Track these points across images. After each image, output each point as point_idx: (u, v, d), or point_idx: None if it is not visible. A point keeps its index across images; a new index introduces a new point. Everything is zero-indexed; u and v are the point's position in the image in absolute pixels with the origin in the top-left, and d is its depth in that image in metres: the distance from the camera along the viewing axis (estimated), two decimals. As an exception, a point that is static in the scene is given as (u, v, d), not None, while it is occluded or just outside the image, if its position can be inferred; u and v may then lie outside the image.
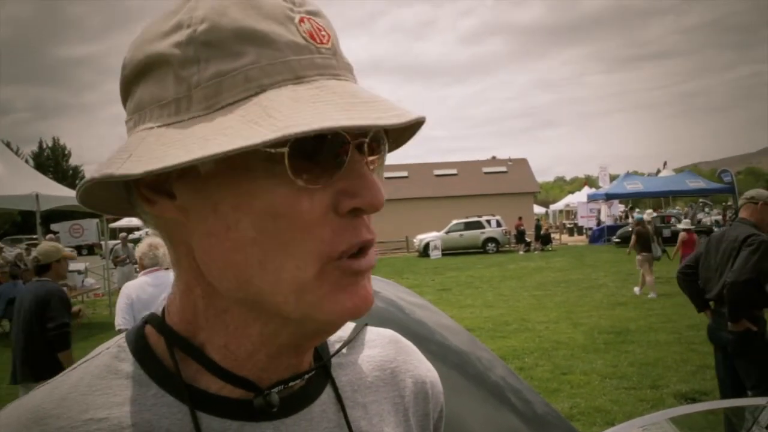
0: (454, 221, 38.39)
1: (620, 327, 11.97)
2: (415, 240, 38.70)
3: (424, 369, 0.94)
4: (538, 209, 57.65)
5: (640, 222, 17.57)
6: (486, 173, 54.05)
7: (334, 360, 0.84)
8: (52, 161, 73.35)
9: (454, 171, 54.46)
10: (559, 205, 61.05)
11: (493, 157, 62.05)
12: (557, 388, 8.18)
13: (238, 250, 0.66)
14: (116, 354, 0.75)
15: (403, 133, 0.79)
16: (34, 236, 14.30)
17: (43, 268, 6.04)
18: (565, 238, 45.58)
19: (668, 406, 6.99)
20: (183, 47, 0.65)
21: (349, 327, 0.90)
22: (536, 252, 34.98)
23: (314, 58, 0.67)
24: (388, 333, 0.95)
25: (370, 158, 0.70)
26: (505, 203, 46.75)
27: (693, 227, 18.00)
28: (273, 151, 0.62)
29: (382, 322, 1.08)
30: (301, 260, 0.65)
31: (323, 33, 0.69)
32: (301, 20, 0.68)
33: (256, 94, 0.63)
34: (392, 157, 0.77)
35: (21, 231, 52.04)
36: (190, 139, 0.62)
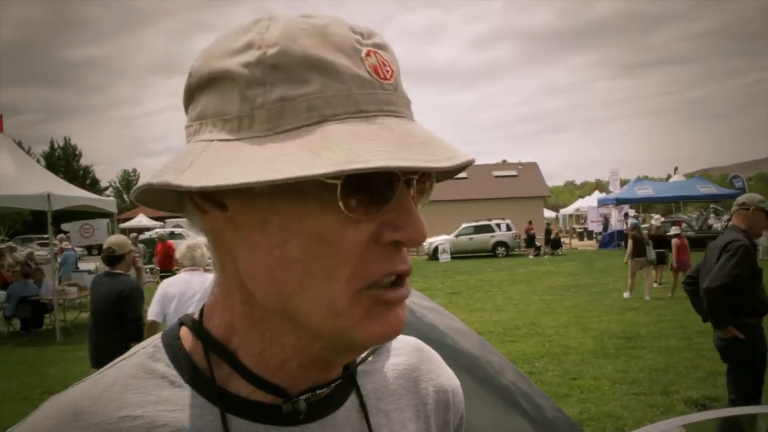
0: (464, 225, 38.34)
1: (631, 332, 11.93)
2: (424, 243, 38.62)
3: (447, 377, 0.95)
4: (548, 213, 57.56)
5: (635, 227, 18.16)
6: (496, 177, 54.02)
7: (360, 367, 0.86)
8: (64, 161, 73.79)
9: (464, 174, 54.29)
10: (569, 210, 60.93)
11: (504, 161, 61.98)
12: (567, 393, 8.15)
13: (282, 268, 0.68)
14: (152, 354, 0.77)
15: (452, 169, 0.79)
16: (45, 236, 14.38)
17: (116, 258, 6.33)
18: (575, 242, 45.51)
19: (679, 412, 6.95)
20: (251, 68, 0.67)
21: None
22: (546, 256, 34.92)
23: (377, 93, 0.68)
24: (413, 341, 0.96)
25: (417, 191, 0.72)
26: (515, 207, 46.69)
27: (681, 232, 18.66)
28: (328, 181, 0.63)
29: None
30: (338, 286, 0.67)
31: (387, 68, 0.71)
32: (368, 54, 0.69)
33: (318, 123, 0.65)
34: None
35: (32, 230, 52.27)
36: (249, 159, 0.64)
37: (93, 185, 71.92)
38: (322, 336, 0.71)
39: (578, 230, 51.53)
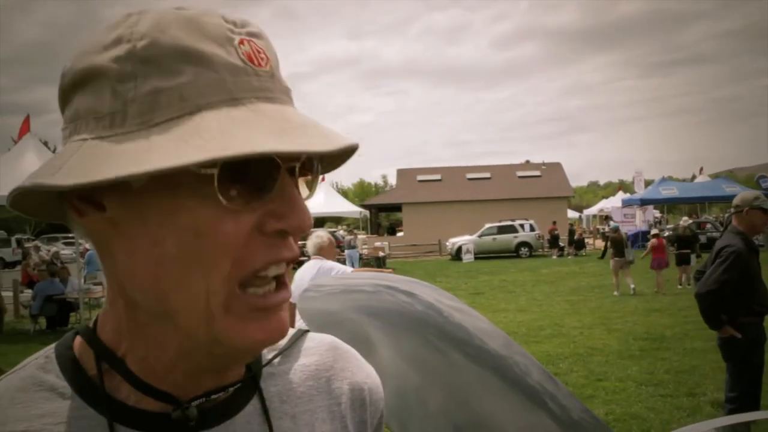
0: (487, 225, 38.30)
1: (656, 333, 11.85)
2: (447, 243, 38.66)
3: (363, 375, 0.93)
4: (571, 214, 57.35)
5: (615, 230, 19.75)
6: (520, 177, 53.81)
7: (265, 370, 0.84)
8: (89, 161, 74.53)
9: (487, 175, 54.30)
10: (592, 210, 60.65)
11: (527, 161, 61.77)
12: (592, 394, 8.10)
13: (161, 265, 0.67)
14: (42, 365, 0.76)
15: (337, 156, 0.79)
16: (70, 235, 14.49)
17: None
18: (599, 243, 45.29)
19: (706, 414, 6.90)
20: (121, 62, 0.66)
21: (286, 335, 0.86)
22: (570, 257, 34.80)
23: (251, 80, 0.67)
24: (328, 339, 0.94)
25: (301, 179, 0.71)
26: (538, 207, 46.51)
27: (659, 232, 20.37)
28: (203, 171, 0.62)
29: (423, 325, 1.07)
30: (216, 281, 0.66)
31: (262, 56, 0.70)
32: (241, 42, 0.69)
33: (191, 113, 0.64)
34: (425, 161, 0.76)
35: (57, 230, 52.86)
36: (122, 154, 0.62)
37: (118, 185, 72.61)
38: (200, 340, 0.69)
39: (602, 231, 51.35)
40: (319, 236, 6.91)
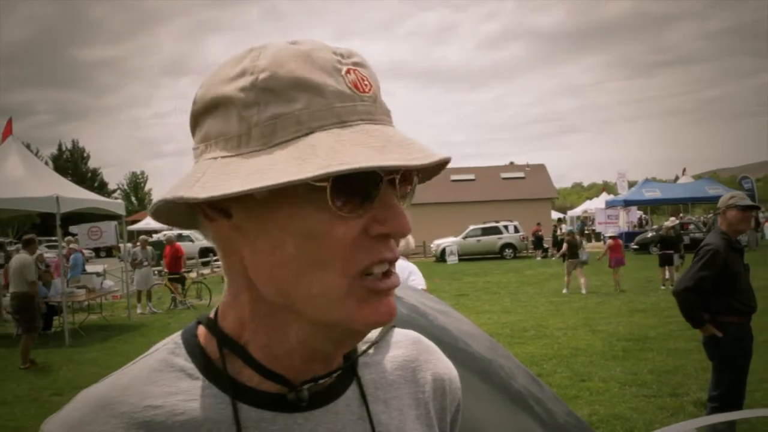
0: (472, 227, 38.35)
1: (639, 334, 11.91)
2: (432, 245, 38.71)
3: (443, 367, 1.03)
4: (555, 215, 57.50)
5: (570, 233, 21.54)
6: (504, 179, 53.90)
7: (361, 360, 0.94)
8: (72, 164, 73.86)
9: (471, 176, 54.36)
10: (576, 211, 60.86)
11: (511, 163, 62.00)
12: (576, 395, 8.13)
13: (281, 265, 0.77)
14: (172, 350, 0.86)
15: (432, 169, 0.87)
16: (53, 238, 14.44)
17: None
18: (583, 244, 45.43)
19: (689, 413, 6.94)
20: (246, 91, 0.76)
21: (377, 329, 0.97)
22: (554, 258, 34.90)
23: (356, 105, 0.77)
24: (412, 334, 1.04)
25: (401, 189, 0.80)
26: (522, 209, 46.61)
27: (616, 234, 21.54)
28: (317, 184, 0.71)
29: (407, 328, 1.09)
30: (332, 277, 0.76)
31: (366, 83, 0.79)
32: (348, 71, 0.78)
33: (306, 135, 0.74)
34: None
35: (40, 233, 52.37)
36: (248, 171, 0.72)
37: (101, 188, 72.08)
38: (322, 324, 0.79)
39: (586, 232, 51.48)
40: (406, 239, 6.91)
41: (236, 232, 0.80)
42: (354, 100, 0.77)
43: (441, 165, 0.83)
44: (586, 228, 44.20)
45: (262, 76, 0.76)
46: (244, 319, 0.84)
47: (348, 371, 0.91)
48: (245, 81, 0.77)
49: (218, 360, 0.84)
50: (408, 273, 6.88)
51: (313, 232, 0.75)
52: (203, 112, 0.81)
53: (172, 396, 0.81)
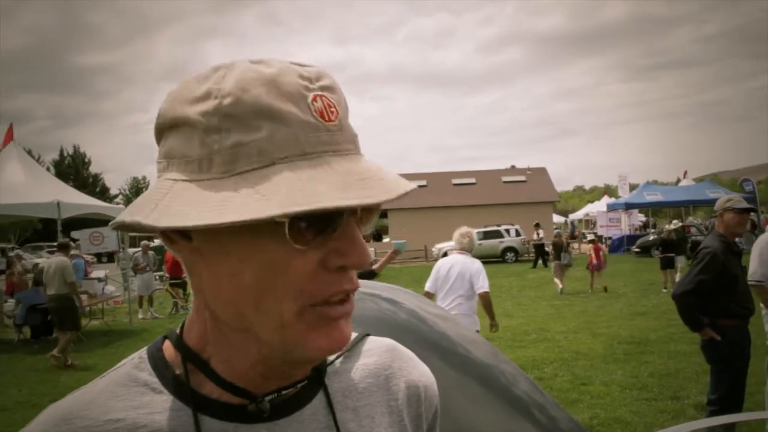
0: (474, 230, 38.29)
1: (640, 337, 11.90)
2: (433, 249, 38.65)
3: (418, 374, 1.02)
4: (557, 218, 57.42)
5: (557, 235, 22.30)
6: (505, 182, 53.90)
7: (329, 368, 0.94)
8: (73, 169, 73.93)
9: (472, 180, 54.37)
10: (578, 215, 60.83)
11: (512, 166, 61.87)
12: (577, 398, 8.13)
13: (239, 292, 0.77)
14: (137, 364, 0.87)
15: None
16: (55, 244, 14.46)
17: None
18: (585, 247, 45.39)
19: (689, 417, 6.94)
20: (209, 116, 0.76)
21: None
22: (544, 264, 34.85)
23: (320, 135, 0.76)
24: (387, 342, 1.04)
25: (363, 217, 0.81)
26: (524, 212, 46.58)
27: (595, 238, 22.62)
28: (277, 220, 0.70)
29: (405, 333, 1.10)
30: (286, 304, 0.76)
31: (333, 110, 0.79)
32: (314, 99, 0.78)
33: (267, 166, 0.73)
34: (411, 166, 0.82)
35: (42, 238, 52.44)
36: (206, 201, 0.72)
37: (102, 193, 72.14)
38: (275, 348, 0.79)
39: (587, 235, 51.41)
40: (467, 232, 7.87)
41: (197, 255, 0.81)
42: (318, 131, 0.76)
43: (400, 197, 0.85)
44: (576, 231, 44.05)
45: (225, 101, 0.75)
46: (206, 334, 0.85)
47: (315, 381, 0.91)
48: (208, 105, 0.76)
49: (181, 374, 0.84)
50: (475, 269, 7.39)
51: (272, 264, 0.75)
52: (166, 128, 0.81)
53: (134, 410, 0.81)
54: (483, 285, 7.43)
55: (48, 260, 12.94)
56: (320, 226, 0.75)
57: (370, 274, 8.39)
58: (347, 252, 0.77)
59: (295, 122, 0.75)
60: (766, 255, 5.85)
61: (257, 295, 0.76)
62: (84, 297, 16.19)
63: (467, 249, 7.74)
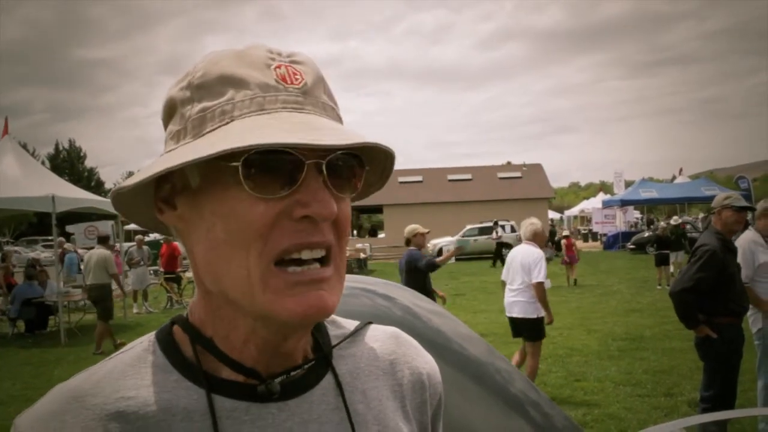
0: (468, 226, 38.34)
1: (635, 334, 11.92)
2: (429, 245, 38.61)
3: (422, 361, 1.03)
4: (552, 215, 57.47)
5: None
6: (501, 178, 53.88)
7: (335, 352, 0.95)
8: (68, 163, 73.72)
9: (468, 176, 54.34)
10: (573, 211, 60.92)
11: (508, 163, 61.89)
12: (571, 394, 8.16)
13: (212, 249, 0.80)
14: (147, 347, 0.88)
15: (376, 163, 0.92)
16: (50, 237, 14.46)
17: (408, 241, 9.44)
18: (580, 244, 45.44)
19: (683, 413, 6.95)
20: (184, 90, 0.84)
21: (353, 324, 1.02)
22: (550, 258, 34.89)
23: (279, 95, 0.80)
24: (391, 329, 1.06)
25: (332, 179, 0.80)
26: (519, 208, 46.48)
27: (569, 233, 23.88)
28: (232, 164, 0.75)
29: (400, 329, 1.09)
30: (252, 259, 0.78)
31: (297, 77, 0.83)
32: (278, 66, 0.83)
33: (227, 123, 0.79)
34: (408, 162, 0.83)
35: (37, 232, 52.34)
36: (171, 159, 0.77)
37: (98, 187, 71.93)
38: (252, 313, 0.81)
39: (583, 232, 51.46)
40: (533, 223, 8.15)
41: (182, 223, 0.85)
42: (278, 91, 0.81)
43: (388, 160, 0.90)
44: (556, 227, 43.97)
45: (197, 75, 0.83)
46: (202, 313, 0.88)
47: (323, 363, 0.92)
48: (184, 82, 0.85)
49: (191, 355, 0.86)
50: (533, 259, 7.77)
51: (235, 213, 0.77)
52: (165, 117, 0.89)
53: (146, 388, 0.82)
54: (537, 276, 7.72)
55: (89, 252, 13.69)
56: (282, 176, 0.77)
57: (431, 267, 9.09)
58: (309, 202, 0.78)
59: (255, 84, 0.80)
60: (749, 256, 5.87)
61: (228, 249, 0.78)
62: (78, 291, 16.21)
63: (530, 239, 8.05)
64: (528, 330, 7.97)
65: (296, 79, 0.82)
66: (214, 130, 0.79)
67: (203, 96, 0.81)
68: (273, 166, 0.75)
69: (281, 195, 0.77)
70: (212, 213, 0.79)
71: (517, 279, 7.91)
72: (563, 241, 22.45)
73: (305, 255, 0.79)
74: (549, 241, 36.12)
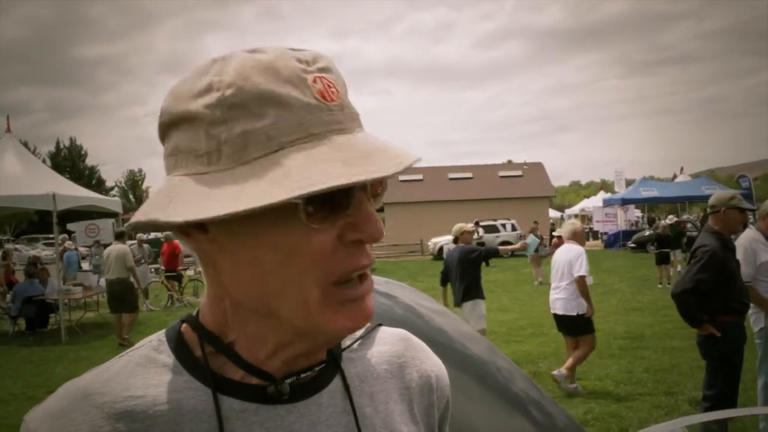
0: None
1: (635, 333, 11.94)
2: (429, 243, 38.67)
3: (431, 364, 1.04)
4: (553, 213, 57.48)
5: (533, 228, 25.34)
6: (501, 177, 53.85)
7: (345, 354, 0.96)
8: (69, 161, 73.65)
9: (469, 174, 54.32)
10: (574, 210, 60.84)
11: (509, 161, 61.92)
12: (572, 393, 8.14)
13: (260, 278, 0.79)
14: (156, 346, 0.89)
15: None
16: (51, 235, 14.49)
17: (455, 239, 9.91)
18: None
19: (683, 412, 6.95)
20: (212, 108, 0.77)
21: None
22: (551, 256, 34.87)
23: (323, 116, 0.77)
24: (400, 332, 1.06)
25: (372, 190, 0.83)
26: (520, 207, 46.59)
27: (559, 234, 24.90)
28: (291, 202, 0.72)
29: (401, 328, 1.09)
30: (309, 287, 0.78)
31: (333, 90, 0.80)
32: (314, 80, 0.79)
33: (275, 151, 0.75)
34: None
35: (38, 230, 52.38)
36: (220, 192, 0.74)
37: (99, 185, 71.86)
38: (300, 331, 0.82)
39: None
40: (572, 223, 8.73)
41: (214, 246, 0.81)
42: (321, 111, 0.78)
43: (408, 167, 0.86)
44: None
45: (228, 92, 0.76)
46: (226, 321, 0.86)
47: (332, 365, 0.93)
48: (211, 98, 0.77)
49: (201, 356, 0.86)
50: (574, 255, 8.12)
51: (290, 246, 0.77)
52: (170, 126, 0.82)
53: (154, 388, 0.83)
54: (579, 270, 8.03)
55: (108, 248, 14.07)
56: (333, 204, 0.76)
57: (490, 254, 10.49)
58: (362, 226, 0.78)
59: (297, 106, 0.76)
60: (751, 254, 5.84)
61: (280, 279, 0.78)
62: (79, 289, 16.22)
63: (570, 237, 8.43)
64: (570, 326, 8.38)
65: (332, 93, 0.80)
66: (260, 158, 0.75)
67: (238, 116, 0.76)
68: (327, 196, 0.74)
69: (333, 221, 0.77)
70: (259, 244, 0.78)
71: (559, 277, 8.29)
72: (554, 241, 23.35)
73: (354, 275, 0.80)
74: (551, 240, 36.19)
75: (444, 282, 9.88)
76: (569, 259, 8.16)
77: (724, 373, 5.50)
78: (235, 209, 0.70)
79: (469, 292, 9.33)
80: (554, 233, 24.72)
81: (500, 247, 10.47)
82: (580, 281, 8.03)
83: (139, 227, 0.82)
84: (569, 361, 8.27)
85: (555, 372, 8.34)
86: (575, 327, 8.28)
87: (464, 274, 9.32)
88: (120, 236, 14.43)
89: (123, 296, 13.33)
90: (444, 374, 1.05)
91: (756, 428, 5.73)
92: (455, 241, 9.92)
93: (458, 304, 9.37)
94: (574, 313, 8.15)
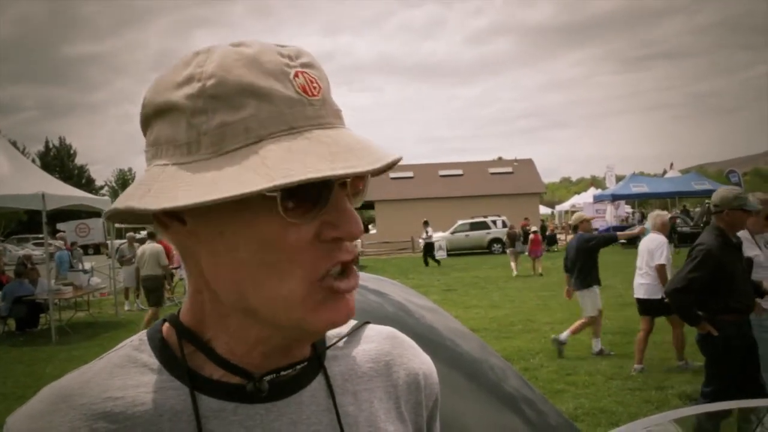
0: (460, 222, 38.36)
1: (626, 328, 11.94)
2: (420, 240, 38.69)
3: (418, 362, 1.03)
4: (543, 210, 57.55)
5: (511, 227, 27.99)
6: (492, 174, 53.92)
7: (329, 353, 0.95)
8: (58, 161, 73.44)
9: (459, 171, 54.36)
10: (564, 206, 60.92)
11: (499, 158, 62.09)
12: (562, 389, 8.18)
13: (238, 271, 0.79)
14: (137, 346, 0.88)
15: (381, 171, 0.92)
16: (40, 235, 14.43)
17: (575, 228, 10.70)
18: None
19: (673, 406, 6.97)
20: (194, 99, 0.77)
21: (348, 324, 1.00)
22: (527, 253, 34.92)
23: (305, 110, 0.78)
24: (388, 330, 1.05)
25: (352, 188, 0.82)
26: (510, 204, 46.63)
27: (537, 230, 26.60)
28: (267, 194, 0.72)
29: (393, 326, 1.09)
30: (289, 282, 0.77)
31: (315, 85, 0.80)
32: (296, 75, 0.79)
33: (255, 143, 0.75)
34: None
35: (27, 230, 52.15)
36: (198, 181, 0.73)
37: (88, 185, 71.71)
38: (281, 327, 0.81)
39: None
40: (659, 215, 9.23)
41: (192, 238, 0.81)
42: (303, 105, 0.78)
43: (389, 166, 0.86)
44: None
45: (209, 83, 0.76)
46: (205, 317, 0.86)
47: (315, 363, 0.92)
48: (192, 88, 0.77)
49: (180, 355, 0.86)
50: (655, 245, 8.71)
51: (266, 239, 0.76)
52: (152, 116, 0.82)
53: (133, 388, 0.83)
54: (659, 258, 8.64)
55: (142, 246, 14.78)
56: (311, 199, 0.76)
57: (608, 240, 11.05)
58: (340, 223, 0.78)
59: (278, 98, 0.76)
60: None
61: (257, 272, 0.78)
62: (69, 289, 16.16)
63: (658, 229, 9.00)
64: (654, 309, 8.87)
65: (314, 89, 0.80)
66: (238, 149, 0.75)
67: (219, 107, 0.76)
68: (306, 190, 0.74)
69: (311, 217, 0.77)
70: (236, 236, 0.77)
71: (643, 264, 8.91)
72: (531, 236, 24.82)
73: (333, 272, 0.79)
74: (543, 237, 36.22)
75: (569, 269, 10.71)
76: (651, 248, 8.75)
77: (720, 371, 5.51)
78: (208, 197, 0.70)
79: (586, 278, 10.20)
80: (533, 230, 25.78)
81: (618, 233, 11.53)
82: (661, 269, 8.58)
83: (117, 216, 0.83)
84: (676, 343, 8.98)
85: (680, 363, 8.89)
86: (660, 309, 8.65)
87: (581, 260, 10.20)
88: (152, 236, 15.12)
89: (153, 291, 14.21)
90: (433, 372, 1.04)
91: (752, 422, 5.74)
92: (575, 229, 10.77)
93: (577, 288, 10.29)
94: (657, 297, 8.51)
